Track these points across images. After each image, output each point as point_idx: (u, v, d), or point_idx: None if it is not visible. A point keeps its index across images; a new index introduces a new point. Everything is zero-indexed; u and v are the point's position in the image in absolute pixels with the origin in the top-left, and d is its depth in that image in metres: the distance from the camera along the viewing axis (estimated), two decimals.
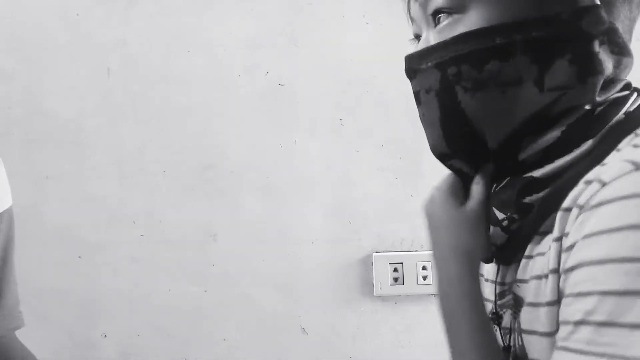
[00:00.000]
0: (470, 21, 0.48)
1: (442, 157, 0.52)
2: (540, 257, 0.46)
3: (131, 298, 1.21)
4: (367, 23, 1.21)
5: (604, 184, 0.40)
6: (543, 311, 0.44)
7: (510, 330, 0.51)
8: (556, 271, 0.42)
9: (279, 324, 1.21)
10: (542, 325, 0.44)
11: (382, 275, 1.19)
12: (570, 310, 0.39)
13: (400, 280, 1.19)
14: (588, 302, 0.38)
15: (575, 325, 0.38)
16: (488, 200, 0.51)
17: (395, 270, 1.19)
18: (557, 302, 0.42)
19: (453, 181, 0.54)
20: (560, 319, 0.41)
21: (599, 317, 0.37)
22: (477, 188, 0.51)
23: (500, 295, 0.53)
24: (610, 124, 0.47)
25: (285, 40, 1.22)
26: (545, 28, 0.46)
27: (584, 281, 0.39)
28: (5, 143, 1.23)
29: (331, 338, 1.21)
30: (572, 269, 0.40)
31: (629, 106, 0.48)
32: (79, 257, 1.22)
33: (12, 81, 1.23)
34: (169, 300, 1.21)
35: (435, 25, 0.51)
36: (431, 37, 0.52)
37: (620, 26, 0.49)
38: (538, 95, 0.46)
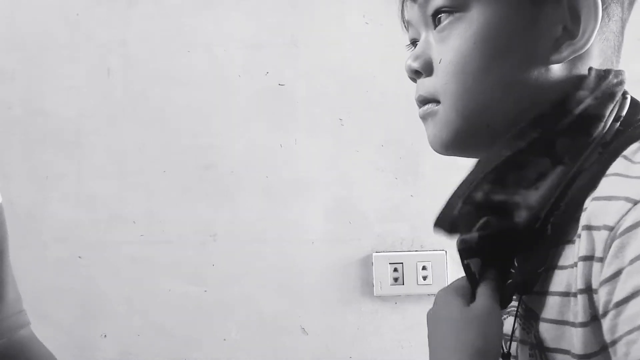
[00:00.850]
0: (473, 19, 0.48)
1: (465, 253, 0.50)
2: (560, 270, 0.45)
3: (131, 298, 1.21)
4: (367, 23, 1.21)
5: (635, 203, 0.38)
6: (575, 332, 0.42)
7: (510, 338, 0.50)
8: (584, 291, 0.41)
9: (279, 324, 1.21)
10: (574, 346, 0.42)
11: (382, 275, 1.19)
12: (639, 346, 0.35)
13: (400, 280, 1.19)
14: None
15: None
16: (497, 300, 0.49)
17: (395, 270, 1.19)
18: (591, 321, 0.41)
19: (459, 284, 0.52)
20: (629, 358, 0.37)
21: None
22: (483, 288, 0.49)
23: None
24: (611, 132, 0.47)
25: (285, 40, 1.22)
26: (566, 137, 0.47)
27: None
28: (5, 143, 1.23)
29: (331, 338, 1.21)
30: (626, 300, 0.37)
31: (615, 108, 0.47)
32: (79, 257, 1.22)
33: (13, 81, 1.23)
34: (169, 300, 1.21)
35: (436, 25, 0.51)
36: (431, 38, 0.52)
37: (615, 27, 0.50)
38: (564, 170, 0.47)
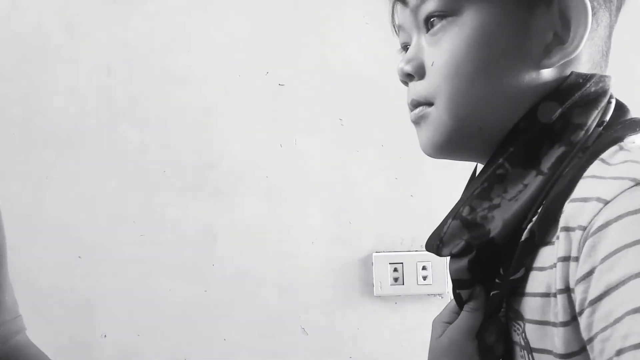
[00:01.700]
0: (465, 23, 0.49)
1: (461, 284, 0.51)
2: (541, 272, 0.45)
3: (131, 298, 1.21)
4: (367, 23, 1.21)
5: (606, 203, 0.39)
6: (556, 332, 0.43)
7: (504, 340, 0.50)
8: (563, 291, 0.42)
9: (279, 324, 1.21)
10: (555, 346, 0.43)
11: (382, 275, 1.19)
12: (612, 342, 0.36)
13: (400, 280, 1.19)
14: (623, 327, 0.36)
15: (617, 355, 0.36)
16: (475, 324, 0.50)
17: (395, 270, 1.19)
18: (571, 321, 0.41)
19: (450, 309, 0.54)
20: (603, 358, 0.37)
21: (635, 339, 0.35)
22: (462, 314, 0.51)
23: None
24: (593, 137, 0.47)
25: (285, 40, 1.22)
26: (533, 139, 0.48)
27: (615, 306, 0.37)
28: (5, 143, 1.23)
29: (331, 338, 1.21)
30: (600, 298, 0.38)
31: (598, 115, 0.48)
32: (79, 257, 1.22)
33: (13, 81, 1.23)
34: (169, 300, 1.21)
35: (427, 30, 0.52)
36: (423, 42, 0.52)
37: (603, 32, 0.51)
38: (544, 181, 0.47)
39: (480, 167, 0.56)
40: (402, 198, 1.20)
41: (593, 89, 0.48)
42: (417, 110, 0.53)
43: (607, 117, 0.48)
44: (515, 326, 0.48)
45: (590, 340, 0.39)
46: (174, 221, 1.22)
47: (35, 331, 0.87)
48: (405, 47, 0.56)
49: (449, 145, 0.52)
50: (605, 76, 0.49)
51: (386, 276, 1.19)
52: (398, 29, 0.56)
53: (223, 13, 1.23)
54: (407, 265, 1.19)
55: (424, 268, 1.19)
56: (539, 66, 0.49)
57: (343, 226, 1.21)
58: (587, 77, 0.48)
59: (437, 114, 0.51)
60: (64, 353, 1.19)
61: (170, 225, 1.22)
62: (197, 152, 1.22)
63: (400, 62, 0.54)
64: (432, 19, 0.51)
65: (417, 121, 0.53)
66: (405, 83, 0.55)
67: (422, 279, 1.19)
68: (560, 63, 0.48)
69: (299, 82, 1.22)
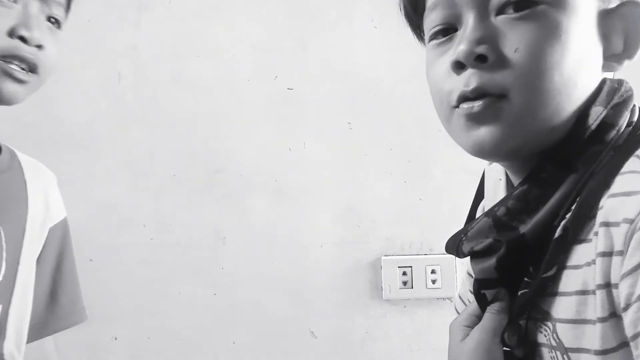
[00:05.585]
0: (565, 15, 0.46)
1: (486, 284, 0.49)
2: (575, 270, 0.44)
3: (141, 301, 1.22)
4: (375, 27, 1.22)
5: None
6: (594, 328, 0.42)
7: (524, 342, 0.50)
8: (603, 287, 0.41)
9: (288, 327, 1.21)
10: (593, 343, 0.42)
11: (391, 278, 1.19)
12: None
13: (409, 284, 1.19)
14: None
15: None
16: (499, 326, 0.49)
17: (404, 273, 1.19)
18: (609, 317, 0.41)
19: (469, 312, 0.52)
20: None
21: None
22: (485, 317, 0.50)
23: None
24: (624, 136, 0.48)
25: (294, 44, 1.23)
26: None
27: None
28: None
29: (340, 341, 1.21)
30: None
31: (627, 116, 0.49)
32: (90, 260, 1.23)
33: None
34: (179, 303, 1.22)
35: (498, 12, 0.47)
36: (498, 23, 0.47)
37: None
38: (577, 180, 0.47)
39: (489, 170, 0.55)
40: (411, 201, 1.20)
41: (624, 92, 0.50)
42: (482, 102, 0.46)
43: (635, 118, 0.50)
44: (542, 327, 0.47)
45: (636, 336, 0.37)
46: (183, 224, 1.22)
47: None
48: (443, 28, 0.50)
49: (515, 146, 0.47)
50: (626, 81, 0.52)
51: (395, 280, 1.19)
52: (434, 4, 0.50)
53: (232, 18, 1.24)
54: (416, 269, 1.19)
55: (433, 272, 1.18)
56: (603, 68, 0.50)
57: (352, 229, 1.21)
58: (620, 82, 0.50)
59: (515, 109, 0.45)
60: (75, 355, 1.20)
61: (180, 228, 1.22)
62: (206, 156, 1.23)
63: (465, 43, 0.46)
64: (519, 2, 0.46)
65: (481, 115, 0.46)
66: (460, 67, 0.47)
67: (431, 283, 1.18)
68: (622, 68, 0.50)
69: (307, 86, 1.22)
